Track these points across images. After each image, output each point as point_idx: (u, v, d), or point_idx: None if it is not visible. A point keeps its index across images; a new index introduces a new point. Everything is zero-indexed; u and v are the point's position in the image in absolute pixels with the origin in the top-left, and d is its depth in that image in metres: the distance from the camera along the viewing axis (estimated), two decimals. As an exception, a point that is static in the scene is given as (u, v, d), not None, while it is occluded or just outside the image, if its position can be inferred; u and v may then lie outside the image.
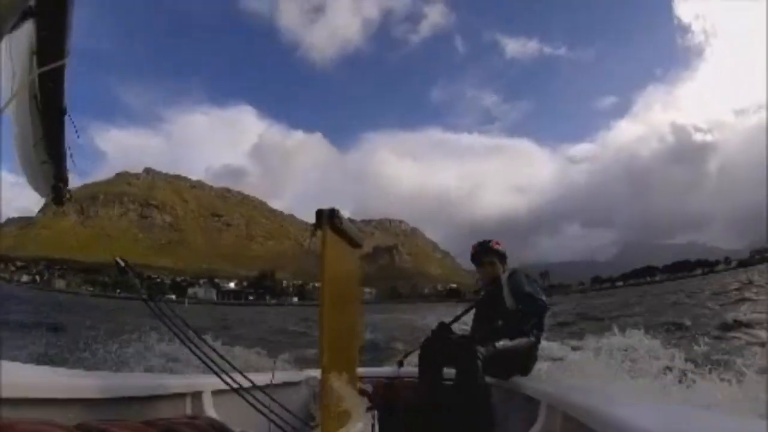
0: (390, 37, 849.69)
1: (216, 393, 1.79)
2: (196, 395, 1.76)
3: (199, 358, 1.47)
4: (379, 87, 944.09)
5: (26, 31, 1.04)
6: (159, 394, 1.58)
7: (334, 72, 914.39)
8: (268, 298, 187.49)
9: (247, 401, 1.41)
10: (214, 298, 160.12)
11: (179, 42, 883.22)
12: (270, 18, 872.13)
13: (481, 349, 2.50)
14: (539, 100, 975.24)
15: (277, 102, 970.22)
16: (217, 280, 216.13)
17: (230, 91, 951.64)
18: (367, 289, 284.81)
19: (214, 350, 1.52)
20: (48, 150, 1.30)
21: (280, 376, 2.41)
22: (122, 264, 1.44)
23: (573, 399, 1.77)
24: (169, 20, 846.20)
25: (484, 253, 3.11)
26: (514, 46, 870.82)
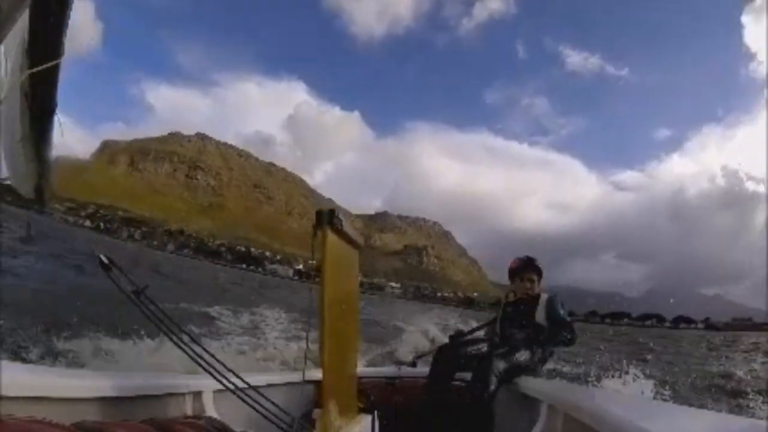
0: (445, 24, 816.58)
1: (217, 393, 1.79)
2: (197, 395, 1.75)
3: (197, 362, 1.42)
4: (429, 76, 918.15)
5: (19, 28, 1.01)
6: (159, 393, 1.58)
7: (382, 52, 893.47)
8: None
9: (248, 403, 1.40)
10: (291, 275, 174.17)
11: (239, 8, 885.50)
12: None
13: (499, 365, 2.56)
14: (594, 119, 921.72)
15: (320, 76, 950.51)
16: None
17: (280, 63, 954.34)
18: (393, 283, 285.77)
19: (206, 351, 1.48)
20: (35, 149, 1.29)
21: (281, 377, 2.43)
22: (106, 261, 1.36)
23: (574, 399, 1.77)
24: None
25: (528, 269, 3.08)
26: (575, 59, 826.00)
